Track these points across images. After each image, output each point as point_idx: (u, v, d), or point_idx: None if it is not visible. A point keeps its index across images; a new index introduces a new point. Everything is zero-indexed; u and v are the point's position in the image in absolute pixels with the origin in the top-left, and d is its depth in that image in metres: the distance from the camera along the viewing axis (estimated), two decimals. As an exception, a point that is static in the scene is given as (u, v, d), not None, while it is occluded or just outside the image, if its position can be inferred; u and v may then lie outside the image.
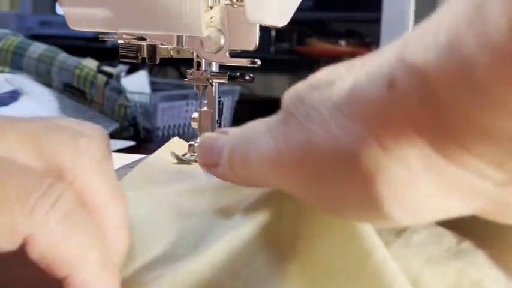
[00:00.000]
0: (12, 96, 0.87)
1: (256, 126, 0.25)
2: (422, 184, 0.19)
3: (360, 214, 0.21)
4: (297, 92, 0.23)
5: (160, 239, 0.26)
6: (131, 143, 0.84)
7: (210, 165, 0.27)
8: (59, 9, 1.75)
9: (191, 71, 0.40)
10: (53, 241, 0.20)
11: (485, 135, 0.17)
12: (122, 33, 0.38)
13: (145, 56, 0.40)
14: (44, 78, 0.97)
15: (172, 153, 0.39)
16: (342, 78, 0.22)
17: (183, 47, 0.38)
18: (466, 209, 0.20)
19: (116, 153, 0.45)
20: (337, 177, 0.21)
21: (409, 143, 0.18)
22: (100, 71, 0.96)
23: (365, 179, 0.20)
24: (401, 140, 0.19)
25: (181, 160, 0.39)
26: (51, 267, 0.21)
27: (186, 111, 0.79)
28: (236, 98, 0.94)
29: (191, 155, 0.40)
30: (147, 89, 1.07)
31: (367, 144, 0.19)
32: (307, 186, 0.22)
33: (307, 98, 0.22)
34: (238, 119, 0.96)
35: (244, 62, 0.37)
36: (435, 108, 0.18)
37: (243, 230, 0.24)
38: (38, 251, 0.20)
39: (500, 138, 0.17)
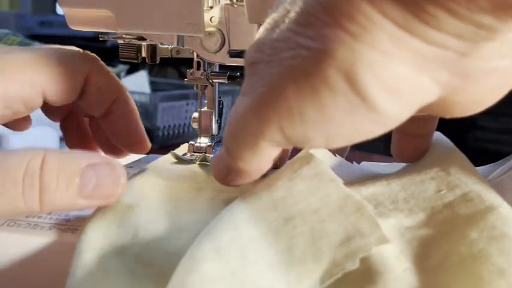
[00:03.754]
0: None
1: (232, 107, 0.25)
2: (396, 64, 0.20)
3: (349, 115, 0.21)
4: (257, 40, 0.24)
5: (159, 232, 0.26)
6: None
7: (225, 176, 0.27)
8: (59, 9, 1.75)
9: (191, 71, 0.40)
10: None
11: (443, 9, 0.19)
12: (122, 33, 0.38)
13: (145, 56, 0.40)
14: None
15: (172, 153, 0.39)
16: (294, 3, 0.22)
17: (183, 47, 0.38)
18: (435, 87, 0.21)
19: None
20: (322, 86, 0.21)
21: (376, 26, 0.20)
22: (100, 71, 0.95)
23: (347, 74, 0.20)
24: (369, 26, 0.20)
25: (180, 160, 0.39)
26: None
27: (186, 111, 0.78)
28: (236, 98, 0.94)
29: (191, 155, 0.40)
30: (147, 89, 1.07)
31: (339, 39, 0.20)
32: (298, 116, 0.22)
33: (269, 37, 0.23)
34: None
35: (244, 62, 0.37)
36: None
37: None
38: None
39: (456, 11, 0.19)
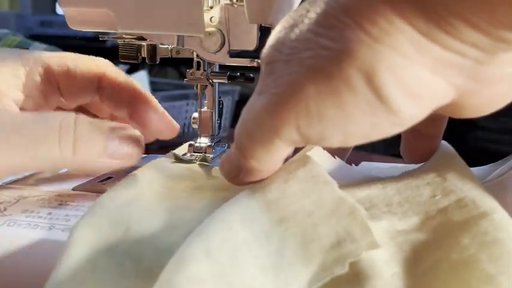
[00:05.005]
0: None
1: (246, 105, 0.25)
2: (416, 67, 0.21)
3: (368, 115, 0.22)
4: (276, 39, 0.24)
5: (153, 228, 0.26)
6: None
7: (235, 175, 0.27)
8: (59, 9, 1.75)
9: (191, 71, 0.40)
10: None
11: (464, 22, 0.19)
12: (122, 33, 0.38)
13: (145, 56, 0.40)
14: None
15: (172, 153, 0.39)
16: (314, 3, 0.23)
17: (183, 47, 0.38)
18: (451, 91, 0.22)
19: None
20: (342, 86, 0.21)
21: (398, 30, 0.20)
22: (100, 71, 0.95)
23: (368, 74, 0.21)
24: (391, 30, 0.20)
25: (180, 160, 0.39)
26: None
27: (186, 111, 0.78)
28: (236, 98, 0.94)
29: (191, 155, 0.40)
30: (147, 89, 1.07)
31: (360, 40, 0.21)
32: (317, 114, 0.22)
33: (288, 36, 0.23)
34: (238, 119, 0.95)
35: (244, 62, 0.37)
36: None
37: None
38: None
39: (476, 24, 0.19)
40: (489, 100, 0.23)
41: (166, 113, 0.40)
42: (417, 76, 0.21)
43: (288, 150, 0.25)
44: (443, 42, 0.20)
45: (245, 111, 0.25)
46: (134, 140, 0.32)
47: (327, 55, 0.21)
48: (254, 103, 0.24)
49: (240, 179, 0.27)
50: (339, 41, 0.21)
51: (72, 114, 0.31)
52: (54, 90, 0.37)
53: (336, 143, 0.23)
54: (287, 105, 0.22)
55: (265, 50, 0.24)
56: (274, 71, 0.23)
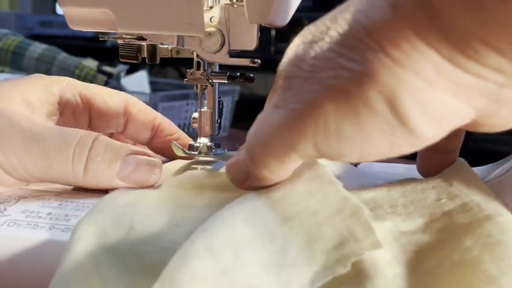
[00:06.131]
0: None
1: (260, 115, 0.26)
2: (437, 91, 0.21)
3: (387, 136, 0.22)
4: (295, 54, 0.24)
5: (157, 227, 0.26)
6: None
7: (243, 181, 0.27)
8: (59, 9, 1.75)
9: (191, 71, 0.40)
10: None
11: (486, 46, 0.20)
12: (122, 33, 0.38)
13: (145, 56, 0.40)
14: (44, 78, 0.97)
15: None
16: (335, 21, 0.23)
17: (183, 47, 0.38)
18: (472, 112, 0.22)
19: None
20: (362, 107, 0.21)
21: (420, 54, 0.20)
22: (100, 71, 0.96)
23: (389, 98, 0.21)
24: (413, 54, 0.20)
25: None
26: None
27: (186, 111, 0.78)
28: (236, 98, 0.94)
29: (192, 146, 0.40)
30: (147, 89, 1.07)
31: (382, 63, 0.21)
32: (335, 133, 0.22)
33: (308, 53, 0.23)
34: (238, 119, 0.96)
35: (244, 62, 0.37)
36: (440, 24, 0.20)
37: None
38: None
39: (499, 48, 0.20)
40: (507, 119, 0.23)
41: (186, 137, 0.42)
42: (438, 100, 0.21)
43: (300, 162, 0.26)
44: (465, 66, 0.20)
45: (260, 122, 0.25)
46: (153, 166, 0.32)
47: (348, 76, 0.21)
48: (271, 116, 0.24)
49: (247, 184, 0.27)
50: (361, 63, 0.21)
51: (93, 133, 0.32)
52: (85, 113, 0.38)
53: (352, 160, 0.23)
54: (306, 121, 0.23)
55: (283, 64, 0.25)
56: (292, 87, 0.24)
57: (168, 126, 0.41)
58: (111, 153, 0.31)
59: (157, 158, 0.33)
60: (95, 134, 0.32)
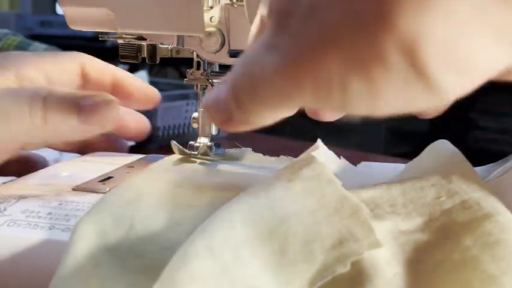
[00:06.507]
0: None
1: (249, 53, 0.22)
2: (473, 37, 0.16)
3: (402, 91, 0.18)
4: None
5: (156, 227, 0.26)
6: (131, 143, 0.84)
7: (223, 120, 0.24)
8: (59, 9, 1.75)
9: (191, 71, 0.40)
10: None
11: None
12: (122, 33, 0.38)
13: (145, 56, 0.40)
14: (44, 78, 0.97)
15: (174, 143, 0.39)
16: None
17: (183, 47, 0.38)
18: (508, 59, 0.17)
19: (116, 153, 0.45)
20: (374, 59, 0.17)
21: None
22: (100, 71, 0.95)
23: (408, 47, 0.16)
24: None
25: (182, 151, 0.39)
26: None
27: (186, 111, 0.78)
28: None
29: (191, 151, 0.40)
30: (147, 89, 1.07)
31: (402, 2, 0.16)
32: (339, 86, 0.18)
33: None
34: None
35: (244, 62, 0.37)
36: None
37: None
38: None
39: None
40: None
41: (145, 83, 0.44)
42: (472, 47, 0.17)
43: (297, 109, 0.22)
44: (506, 5, 0.16)
45: (249, 62, 0.21)
46: (108, 104, 0.34)
47: (357, 21, 0.17)
48: (263, 57, 0.20)
49: (229, 126, 0.24)
50: (374, 2, 0.17)
51: (44, 87, 0.33)
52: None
53: (359, 113, 0.20)
54: (305, 69, 0.19)
55: None
56: (287, 26, 0.20)
57: (128, 84, 0.43)
58: (66, 100, 0.33)
59: (113, 97, 0.35)
60: (45, 87, 0.33)
